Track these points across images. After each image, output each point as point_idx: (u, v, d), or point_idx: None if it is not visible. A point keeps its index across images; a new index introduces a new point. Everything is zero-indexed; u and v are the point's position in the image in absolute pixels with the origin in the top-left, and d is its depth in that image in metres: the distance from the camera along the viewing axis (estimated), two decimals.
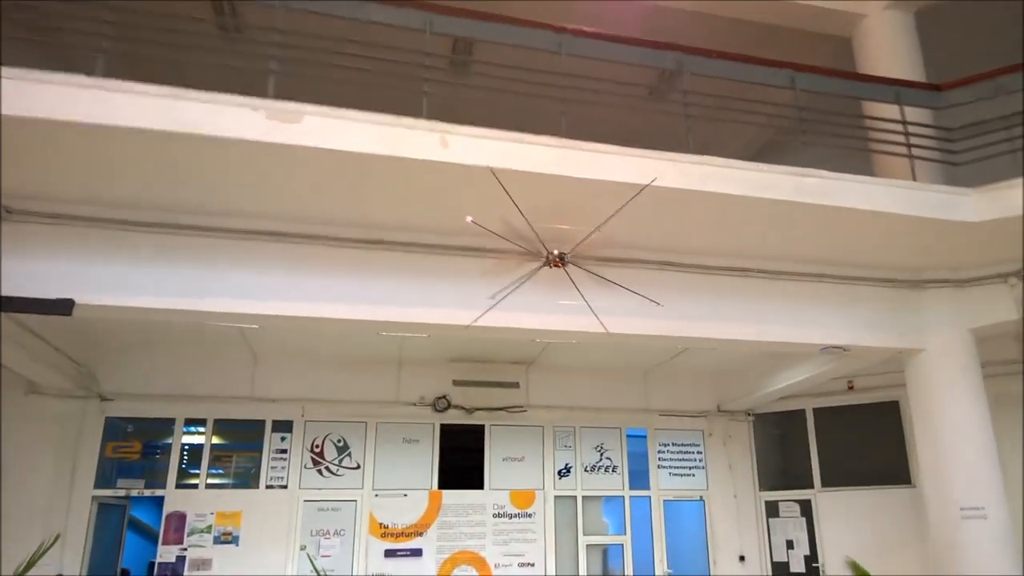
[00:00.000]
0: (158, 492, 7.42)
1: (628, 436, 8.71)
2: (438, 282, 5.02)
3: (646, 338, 5.52)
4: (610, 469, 8.54)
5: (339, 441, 7.92)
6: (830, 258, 5.71)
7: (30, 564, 5.54)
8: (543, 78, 4.73)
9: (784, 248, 5.53)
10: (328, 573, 7.18)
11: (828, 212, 4.88)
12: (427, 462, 8.04)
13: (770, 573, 8.38)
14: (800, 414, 8.53)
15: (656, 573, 8.24)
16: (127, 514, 7.86)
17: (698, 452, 8.88)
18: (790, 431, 8.65)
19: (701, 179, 4.57)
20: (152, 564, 7.40)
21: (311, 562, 7.07)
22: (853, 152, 5.83)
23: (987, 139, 5.18)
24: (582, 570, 8.03)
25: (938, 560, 5.61)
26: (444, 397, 8.15)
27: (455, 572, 7.70)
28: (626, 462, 8.61)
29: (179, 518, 7.35)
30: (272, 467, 7.69)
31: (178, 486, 7.46)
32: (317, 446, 7.86)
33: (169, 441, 7.59)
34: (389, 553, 7.62)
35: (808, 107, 5.28)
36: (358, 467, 7.87)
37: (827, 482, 8.23)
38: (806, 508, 8.29)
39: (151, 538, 7.98)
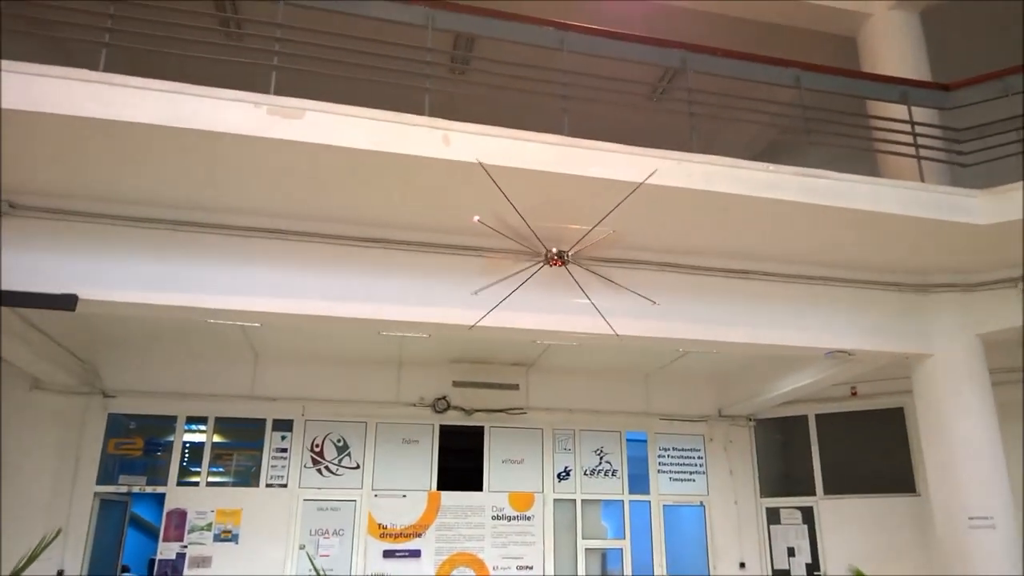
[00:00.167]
0: (159, 489, 7.42)
1: (628, 440, 8.65)
2: (439, 281, 5.00)
3: (647, 340, 5.48)
4: (610, 473, 8.49)
5: (339, 441, 7.90)
6: (836, 261, 5.66)
7: (31, 559, 5.52)
8: (545, 75, 4.71)
9: (789, 250, 5.47)
10: (327, 573, 7.15)
11: (834, 213, 4.82)
12: (426, 463, 8.01)
13: None
14: (802, 420, 8.44)
15: None
16: (128, 511, 7.87)
17: (699, 457, 8.81)
18: (792, 437, 8.57)
19: (705, 178, 4.53)
20: (152, 561, 7.40)
21: (310, 561, 7.05)
22: (857, 153, 5.78)
23: (995, 140, 5.12)
24: (581, 574, 7.98)
25: (945, 569, 5.51)
26: (444, 398, 8.13)
27: (454, 574, 7.66)
28: (626, 466, 8.54)
29: (180, 515, 7.34)
30: (272, 466, 7.69)
31: (179, 483, 7.46)
32: (317, 445, 7.84)
33: (171, 438, 7.60)
34: (388, 554, 7.59)
35: (813, 107, 5.24)
36: (358, 467, 7.85)
37: (829, 489, 8.13)
38: (808, 515, 8.20)
39: (152, 535, 7.98)
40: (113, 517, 7.55)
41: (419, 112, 4.21)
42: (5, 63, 3.63)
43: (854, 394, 8.00)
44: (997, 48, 6.10)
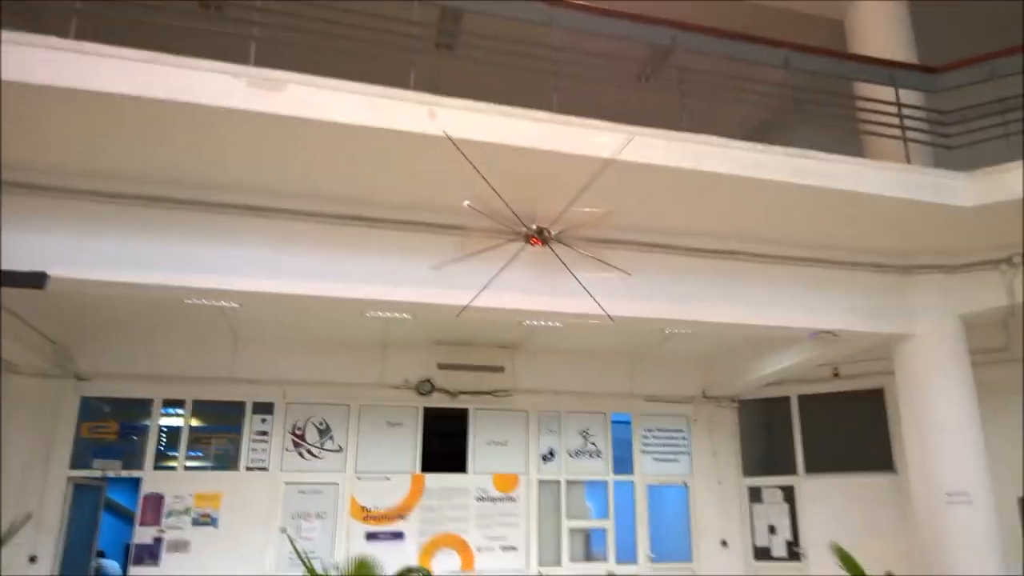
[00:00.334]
0: (136, 473, 7.29)
1: (613, 421, 8.68)
2: (424, 259, 4.90)
3: (633, 320, 5.46)
4: (594, 454, 8.52)
5: (321, 424, 7.81)
6: (821, 242, 5.67)
7: (0, 544, 5.40)
8: (534, 51, 4.61)
9: (774, 231, 5.48)
10: (309, 555, 7.08)
11: (820, 194, 4.83)
12: (410, 445, 7.96)
13: (752, 558, 8.42)
14: (785, 401, 8.54)
15: (638, 557, 8.25)
16: (103, 496, 7.72)
17: (683, 438, 8.87)
18: (775, 418, 8.67)
19: (696, 158, 4.50)
20: (128, 546, 7.28)
21: (291, 543, 6.97)
22: (844, 135, 5.77)
23: (981, 123, 5.14)
24: (564, 554, 8.02)
25: (923, 544, 5.64)
26: (428, 380, 8.07)
27: (437, 555, 7.66)
28: (610, 447, 8.58)
29: (156, 500, 7.23)
30: (253, 449, 7.59)
31: (156, 468, 7.35)
32: (299, 428, 7.75)
33: (147, 422, 7.46)
34: (371, 536, 7.55)
35: (802, 87, 5.21)
36: (340, 450, 7.78)
37: (810, 468, 8.26)
38: (789, 494, 8.33)
39: (128, 520, 7.85)
40: (88, 502, 7.40)
41: (404, 88, 4.10)
42: None
43: (836, 375, 8.10)
44: (983, 37, 6.10)
